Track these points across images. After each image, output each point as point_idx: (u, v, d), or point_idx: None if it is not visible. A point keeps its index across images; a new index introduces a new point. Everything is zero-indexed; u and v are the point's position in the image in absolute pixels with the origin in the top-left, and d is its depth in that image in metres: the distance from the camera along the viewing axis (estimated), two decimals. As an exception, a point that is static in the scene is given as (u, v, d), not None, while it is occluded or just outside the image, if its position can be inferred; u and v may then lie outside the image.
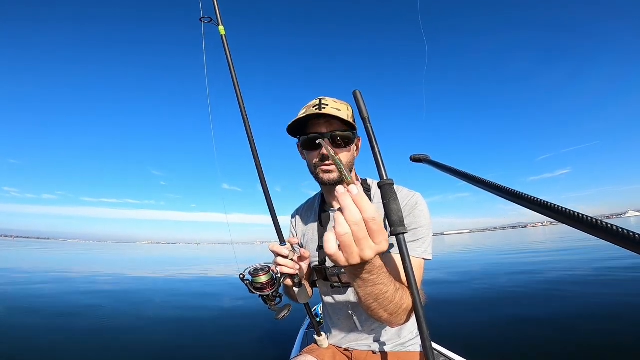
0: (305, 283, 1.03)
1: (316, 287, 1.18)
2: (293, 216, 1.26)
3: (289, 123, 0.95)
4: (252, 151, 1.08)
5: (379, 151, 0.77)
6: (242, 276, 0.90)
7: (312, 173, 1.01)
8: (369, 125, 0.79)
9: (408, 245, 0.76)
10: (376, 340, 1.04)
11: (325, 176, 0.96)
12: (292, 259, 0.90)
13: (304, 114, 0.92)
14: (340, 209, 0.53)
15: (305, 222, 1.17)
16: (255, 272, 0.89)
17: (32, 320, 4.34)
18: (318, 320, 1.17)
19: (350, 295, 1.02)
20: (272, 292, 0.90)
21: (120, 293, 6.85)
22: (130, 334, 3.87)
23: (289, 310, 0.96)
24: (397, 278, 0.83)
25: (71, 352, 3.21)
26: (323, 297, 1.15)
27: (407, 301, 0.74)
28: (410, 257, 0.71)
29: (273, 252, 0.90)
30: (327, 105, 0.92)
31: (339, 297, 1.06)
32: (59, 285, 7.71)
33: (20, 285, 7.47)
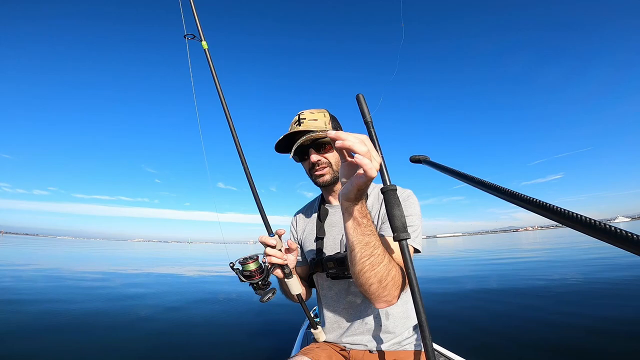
0: (296, 276, 1.06)
1: (314, 287, 1.22)
2: (294, 216, 1.36)
3: (275, 144, 1.10)
4: (236, 144, 1.13)
5: (382, 156, 0.75)
6: (232, 264, 0.96)
7: (309, 177, 1.16)
8: (371, 129, 0.76)
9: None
10: (373, 338, 1.05)
11: (320, 179, 1.10)
12: (279, 249, 0.96)
13: (289, 132, 1.07)
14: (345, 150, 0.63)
15: (306, 218, 1.29)
16: (244, 261, 0.95)
17: (15, 320, 4.24)
18: (316, 320, 1.20)
19: (345, 284, 1.08)
20: (261, 280, 0.96)
21: (108, 291, 6.73)
22: (126, 333, 3.80)
23: (273, 293, 1.01)
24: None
25: (62, 352, 3.14)
26: (319, 292, 1.19)
27: (394, 272, 0.77)
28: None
29: (261, 242, 0.97)
30: (305, 119, 1.07)
31: (335, 286, 1.11)
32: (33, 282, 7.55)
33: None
